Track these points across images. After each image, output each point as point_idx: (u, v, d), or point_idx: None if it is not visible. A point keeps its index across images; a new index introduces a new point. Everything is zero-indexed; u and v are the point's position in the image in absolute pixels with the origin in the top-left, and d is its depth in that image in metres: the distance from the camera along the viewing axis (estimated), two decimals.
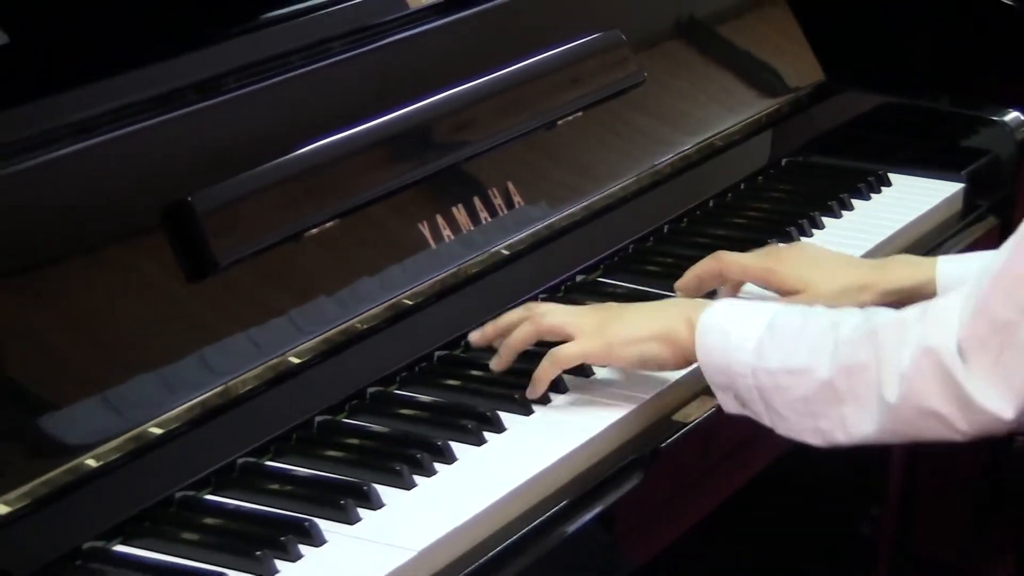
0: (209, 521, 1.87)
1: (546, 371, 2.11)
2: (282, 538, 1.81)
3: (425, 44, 2.39)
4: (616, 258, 2.51)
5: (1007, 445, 3.42)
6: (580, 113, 2.54)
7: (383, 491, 1.91)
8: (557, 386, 2.15)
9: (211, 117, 2.12)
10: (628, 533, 2.09)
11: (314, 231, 2.14)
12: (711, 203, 2.70)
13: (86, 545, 1.79)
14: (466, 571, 1.84)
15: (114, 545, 1.81)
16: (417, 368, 2.19)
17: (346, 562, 1.80)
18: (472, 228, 2.32)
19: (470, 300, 2.29)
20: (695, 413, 2.16)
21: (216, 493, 1.92)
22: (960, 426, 1.88)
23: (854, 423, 1.94)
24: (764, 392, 2.00)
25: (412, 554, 1.81)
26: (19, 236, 1.90)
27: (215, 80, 2.14)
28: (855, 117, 2.96)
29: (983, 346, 1.84)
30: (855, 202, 2.74)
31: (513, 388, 2.13)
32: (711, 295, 2.31)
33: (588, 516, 1.98)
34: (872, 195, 2.78)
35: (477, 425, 2.05)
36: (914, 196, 2.78)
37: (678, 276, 2.41)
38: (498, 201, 2.37)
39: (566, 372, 2.16)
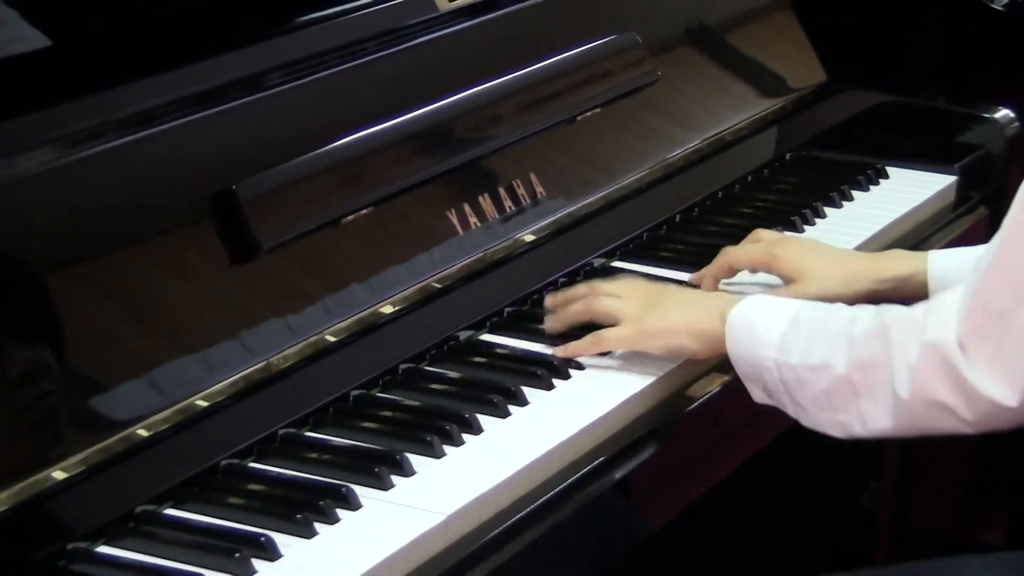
0: (252, 487, 1.87)
1: (586, 347, 2.14)
2: (321, 503, 1.81)
3: (453, 44, 2.40)
4: (631, 245, 2.50)
5: None
6: (598, 109, 2.54)
7: (415, 460, 1.92)
8: (577, 363, 2.15)
9: (254, 112, 2.12)
10: (643, 500, 2.10)
11: (350, 218, 2.14)
12: (720, 194, 2.70)
13: (139, 508, 1.80)
14: (492, 534, 1.85)
15: (165, 509, 1.82)
16: (446, 346, 2.18)
17: (380, 525, 1.81)
18: (497, 216, 2.32)
19: (495, 284, 2.29)
20: (706, 388, 2.16)
21: (259, 461, 1.92)
22: (968, 417, 1.86)
23: (871, 417, 1.93)
24: (788, 386, 1.99)
25: (442, 518, 1.82)
26: (79, 225, 1.91)
27: (258, 77, 2.14)
28: (855, 114, 2.96)
29: (982, 337, 1.83)
30: (855, 193, 2.74)
31: (536, 365, 2.13)
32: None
33: (606, 484, 1.99)
34: (871, 187, 2.77)
35: (502, 399, 2.05)
36: (910, 188, 2.77)
37: (689, 261, 2.43)
38: (521, 191, 2.37)
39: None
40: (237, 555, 1.72)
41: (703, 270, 2.37)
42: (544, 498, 1.92)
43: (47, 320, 1.83)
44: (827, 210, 2.67)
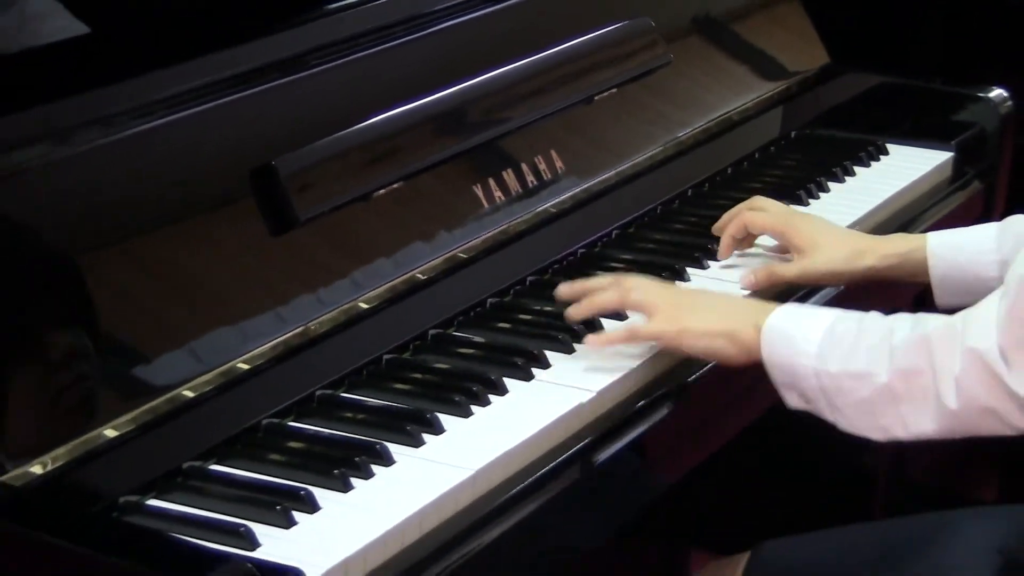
0: (292, 444, 1.88)
1: (620, 337, 2.10)
2: (357, 459, 1.82)
3: (478, 28, 2.39)
4: (646, 218, 2.50)
5: None
6: (615, 90, 2.53)
7: (444, 419, 1.93)
8: (595, 327, 2.15)
9: (290, 92, 2.12)
10: (660, 456, 2.09)
11: (381, 192, 2.14)
12: (729, 170, 2.70)
13: (186, 464, 1.81)
14: (517, 488, 1.85)
15: (210, 464, 1.83)
16: (472, 313, 2.19)
17: (413, 480, 1.82)
18: (519, 191, 2.32)
19: (518, 254, 2.29)
20: None
21: (298, 420, 1.93)
22: (1016, 421, 1.85)
23: (913, 422, 1.91)
24: (827, 393, 1.96)
25: (470, 473, 1.83)
26: (134, 202, 1.92)
27: (294, 60, 2.14)
28: (856, 95, 2.95)
29: (1020, 347, 1.81)
30: (857, 169, 2.74)
31: (558, 330, 2.13)
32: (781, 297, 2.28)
33: (625, 441, 1.99)
34: (872, 163, 2.77)
35: (526, 362, 2.05)
36: (909, 164, 2.77)
37: (700, 233, 2.43)
38: (543, 167, 2.36)
39: (604, 316, 2.16)
40: (278, 507, 1.73)
41: (723, 230, 2.38)
42: (565, 455, 1.93)
43: (99, 293, 1.83)
44: (831, 184, 2.67)
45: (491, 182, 2.29)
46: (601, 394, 2.03)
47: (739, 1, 2.91)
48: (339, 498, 1.78)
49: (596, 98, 2.51)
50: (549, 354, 2.09)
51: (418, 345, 2.11)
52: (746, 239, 2.39)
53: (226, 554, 1.62)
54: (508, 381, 2.02)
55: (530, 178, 2.34)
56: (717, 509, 2.99)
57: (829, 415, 1.98)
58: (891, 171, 2.75)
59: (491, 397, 1.99)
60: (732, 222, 2.38)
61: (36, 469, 1.70)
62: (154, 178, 1.95)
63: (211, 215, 1.99)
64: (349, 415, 1.94)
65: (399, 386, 2.01)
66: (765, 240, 2.40)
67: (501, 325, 2.17)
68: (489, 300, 2.22)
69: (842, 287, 2.34)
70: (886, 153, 2.81)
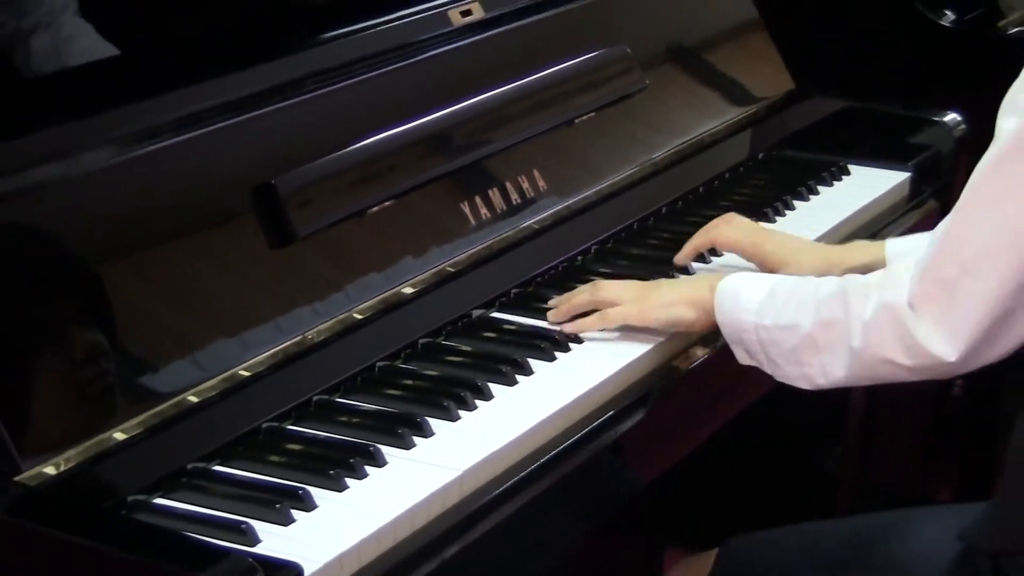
0: (291, 446, 1.88)
1: (593, 323, 2.15)
2: (351, 460, 1.83)
3: (465, 55, 2.40)
4: (623, 234, 2.51)
5: (947, 392, 3.43)
6: (593, 114, 2.54)
7: (433, 423, 1.93)
8: (575, 336, 2.16)
9: (290, 115, 2.12)
10: (634, 458, 2.10)
11: (374, 209, 2.14)
12: (701, 189, 2.70)
13: (190, 465, 1.81)
14: (502, 488, 1.86)
15: (213, 465, 1.83)
16: (459, 323, 2.19)
17: (403, 480, 1.82)
18: (504, 208, 2.32)
19: (502, 268, 2.29)
20: (689, 361, 2.17)
21: (296, 424, 1.93)
22: (910, 366, 1.90)
23: (831, 369, 1.97)
24: (764, 345, 2.03)
25: (457, 473, 1.83)
26: (146, 218, 1.93)
27: (294, 84, 2.14)
28: (820, 118, 2.95)
29: (930, 300, 1.86)
30: (821, 188, 2.74)
31: (540, 339, 2.13)
32: None
33: (602, 443, 2.00)
34: (835, 182, 2.78)
35: (510, 369, 2.06)
36: (869, 183, 2.78)
37: (673, 248, 2.43)
38: (526, 186, 2.37)
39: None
40: (278, 506, 1.74)
41: (687, 242, 2.40)
42: (547, 456, 1.93)
43: (109, 304, 1.84)
44: (796, 203, 2.67)
45: (477, 200, 2.29)
46: (582, 398, 2.03)
47: (710, 30, 2.91)
48: (335, 497, 1.78)
49: (576, 121, 2.51)
50: (532, 362, 2.09)
51: (409, 353, 2.11)
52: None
53: (228, 549, 1.63)
54: (493, 387, 2.02)
55: (514, 196, 2.34)
56: (689, 508, 2.99)
57: (767, 367, 2.05)
58: (853, 190, 2.75)
59: (477, 402, 1.99)
60: (700, 233, 2.39)
61: (50, 469, 1.71)
62: (163, 195, 1.96)
63: (215, 230, 1.99)
64: (344, 419, 1.95)
65: (391, 392, 2.02)
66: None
67: (487, 334, 2.17)
68: (476, 311, 2.22)
69: None
70: (848, 173, 2.82)
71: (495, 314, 2.24)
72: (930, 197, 2.80)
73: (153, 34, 2.08)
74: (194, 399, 1.86)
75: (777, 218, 2.62)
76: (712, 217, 2.51)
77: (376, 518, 1.74)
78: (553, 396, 2.02)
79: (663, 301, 2.14)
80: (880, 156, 2.85)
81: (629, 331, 2.18)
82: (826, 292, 1.98)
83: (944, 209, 2.80)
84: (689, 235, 2.44)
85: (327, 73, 2.20)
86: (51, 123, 1.85)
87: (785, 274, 2.28)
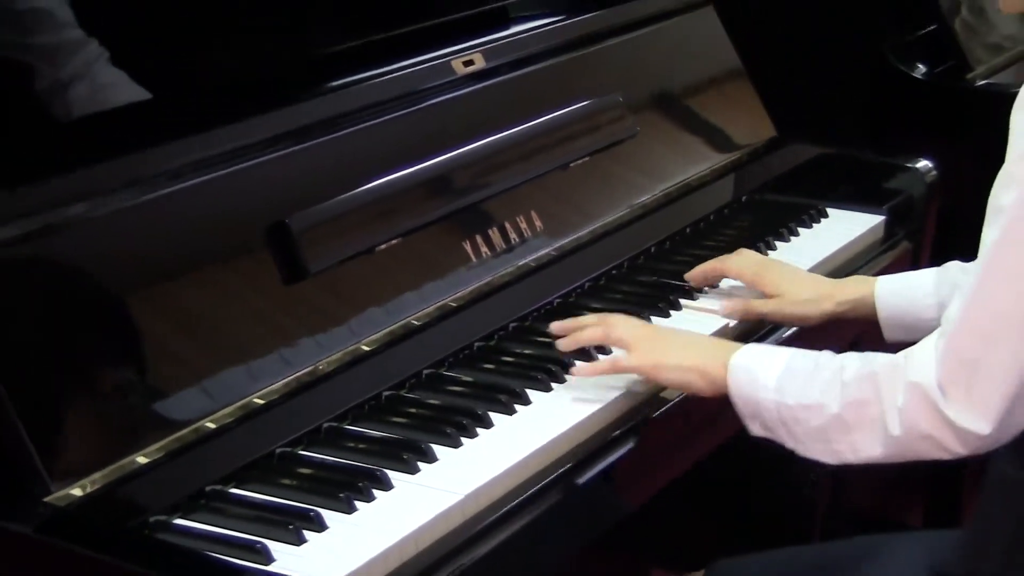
0: (303, 471, 1.89)
1: (604, 368, 2.13)
2: (360, 484, 1.84)
3: (468, 102, 2.41)
4: (614, 271, 2.51)
5: None
6: (587, 158, 2.55)
7: (437, 449, 1.94)
8: (570, 369, 2.16)
9: (302, 158, 2.13)
10: (624, 484, 2.10)
11: (382, 247, 2.15)
12: (688, 230, 2.70)
13: (208, 487, 1.82)
14: (502, 511, 1.86)
15: (229, 488, 1.84)
16: (461, 355, 2.19)
17: (409, 503, 1.83)
18: (503, 247, 2.33)
19: (502, 303, 2.30)
20: (678, 392, 2.15)
21: (307, 449, 1.94)
22: (952, 446, 1.85)
23: (862, 448, 1.92)
24: (786, 423, 1.98)
25: (460, 497, 1.84)
26: (165, 254, 1.94)
27: (306, 129, 2.15)
28: (800, 164, 2.95)
29: (956, 381, 1.82)
30: (800, 230, 2.75)
31: (537, 371, 2.14)
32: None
33: (595, 469, 2.00)
34: (813, 224, 2.78)
35: (509, 399, 2.06)
36: (846, 225, 2.78)
37: (663, 285, 2.45)
38: (524, 226, 2.37)
39: (576, 357, 2.17)
40: (291, 527, 1.74)
41: (698, 267, 2.44)
42: (544, 482, 1.93)
43: (133, 336, 1.86)
44: (778, 243, 2.68)
45: (478, 239, 2.30)
46: (576, 427, 2.03)
47: (697, 80, 2.92)
48: (344, 518, 1.79)
49: (571, 165, 2.52)
50: (529, 392, 2.09)
51: (414, 383, 2.11)
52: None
53: (244, 568, 1.64)
54: (493, 415, 2.03)
55: (512, 236, 2.35)
56: (674, 531, 3.00)
57: (789, 442, 2.00)
58: (831, 232, 2.76)
59: (478, 430, 2.00)
60: (713, 261, 2.44)
61: (77, 491, 1.72)
62: (184, 235, 1.97)
63: (231, 267, 2.00)
64: (352, 445, 1.95)
65: (397, 419, 2.02)
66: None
67: (487, 366, 2.18)
68: (476, 344, 2.22)
69: (796, 328, 2.37)
70: (826, 216, 2.82)
71: (494, 346, 2.24)
72: (903, 239, 2.80)
73: (174, 83, 2.08)
74: (212, 425, 1.87)
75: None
76: (698, 256, 2.54)
77: (384, 538, 1.75)
78: (549, 425, 2.02)
79: (674, 364, 2.09)
80: (856, 200, 2.85)
81: None
82: (851, 372, 1.93)
83: (916, 250, 2.82)
84: (676, 273, 2.47)
85: (339, 118, 2.21)
86: (82, 165, 1.87)
87: (781, 303, 2.34)
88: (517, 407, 2.07)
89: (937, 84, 3.30)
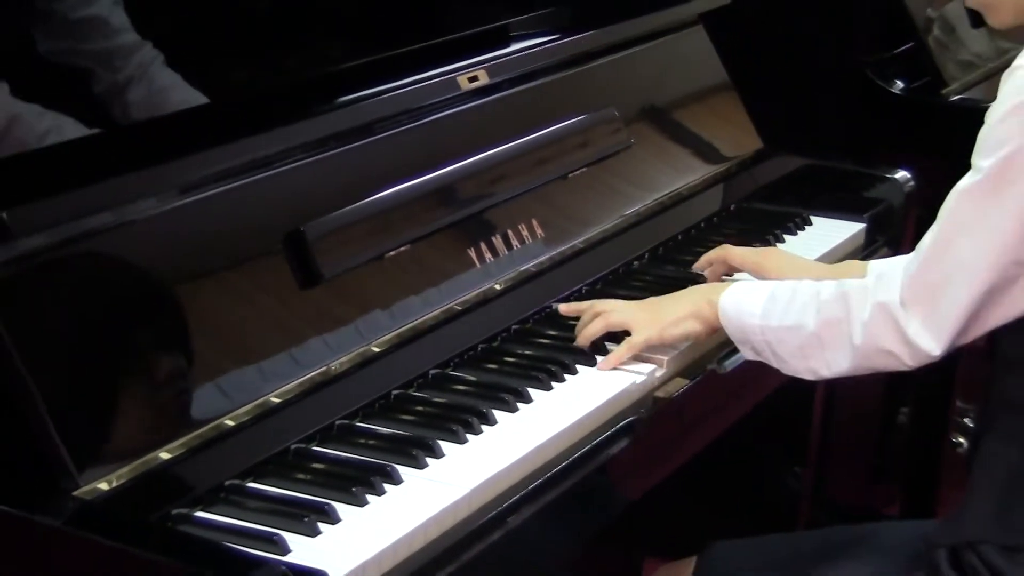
0: (316, 466, 1.88)
1: (622, 354, 2.17)
2: (371, 478, 1.83)
3: (473, 116, 2.40)
4: (610, 276, 2.51)
5: (892, 419, 3.44)
6: (585, 169, 2.54)
7: (444, 445, 1.93)
8: (569, 369, 2.16)
9: (318, 168, 2.13)
10: (620, 479, 2.10)
11: (391, 254, 2.15)
12: (679, 236, 2.70)
13: (227, 481, 1.81)
14: (505, 504, 1.86)
15: (247, 482, 1.83)
16: (466, 355, 2.18)
17: (418, 496, 1.83)
18: (505, 253, 2.32)
19: (504, 306, 2.29)
20: (671, 391, 2.17)
21: (321, 445, 1.93)
22: (905, 359, 1.94)
23: (834, 362, 2.00)
24: (770, 344, 2.06)
25: (466, 491, 1.84)
26: (188, 261, 1.93)
27: (320, 142, 2.14)
28: (785, 174, 2.96)
29: (918, 301, 1.91)
30: (786, 236, 2.75)
31: (537, 371, 2.13)
32: None
33: (595, 464, 2.00)
34: (798, 231, 2.78)
35: (511, 397, 2.06)
36: (830, 233, 2.78)
37: (656, 290, 2.42)
38: (525, 233, 2.37)
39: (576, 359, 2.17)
40: (306, 519, 1.74)
41: (703, 256, 2.49)
42: (545, 476, 1.93)
43: (157, 338, 1.85)
44: None
45: (482, 246, 2.29)
46: (575, 424, 2.03)
47: (688, 95, 2.92)
48: (356, 511, 1.78)
49: (570, 176, 2.51)
50: (531, 391, 2.09)
51: (421, 383, 2.11)
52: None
53: (262, 558, 1.63)
54: (497, 413, 2.02)
55: (514, 243, 2.35)
56: (668, 521, 2.99)
57: (774, 362, 2.08)
58: (815, 238, 2.76)
59: (483, 427, 1.99)
60: (716, 249, 2.48)
61: (103, 485, 1.71)
62: (204, 242, 1.96)
63: (249, 273, 1.99)
64: (363, 441, 1.95)
65: (405, 417, 2.02)
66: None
67: (490, 366, 2.17)
68: (480, 345, 2.22)
69: None
70: (810, 223, 2.82)
71: (498, 347, 2.24)
72: (883, 246, 2.80)
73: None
74: (231, 423, 1.87)
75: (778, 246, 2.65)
76: (689, 261, 2.54)
77: (394, 530, 1.74)
78: (550, 422, 2.02)
79: (673, 319, 2.18)
80: (838, 208, 2.85)
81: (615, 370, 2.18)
82: (827, 295, 2.00)
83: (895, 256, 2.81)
84: (669, 277, 2.47)
85: (352, 131, 2.20)
86: (108, 176, 1.85)
87: None
88: (519, 405, 2.06)
89: (914, 99, 3.30)
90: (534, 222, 2.40)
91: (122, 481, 1.73)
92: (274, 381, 1.94)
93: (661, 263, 2.60)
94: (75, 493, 1.68)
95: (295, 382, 1.96)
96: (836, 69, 3.28)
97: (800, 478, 3.14)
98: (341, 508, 1.77)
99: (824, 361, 2.01)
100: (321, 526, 1.74)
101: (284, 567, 1.59)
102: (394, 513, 1.79)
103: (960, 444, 3.19)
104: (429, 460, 1.90)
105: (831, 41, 3.28)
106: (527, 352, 2.22)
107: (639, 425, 2.08)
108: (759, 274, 2.40)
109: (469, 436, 1.97)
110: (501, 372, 2.16)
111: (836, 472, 3.30)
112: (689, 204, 2.77)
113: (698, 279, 2.47)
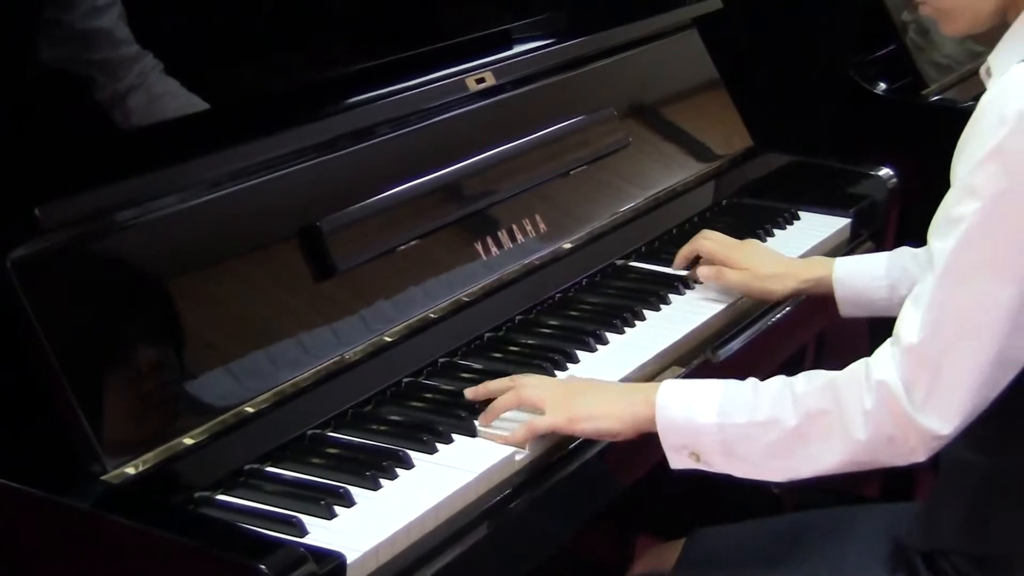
0: (331, 451, 1.88)
1: (521, 435, 1.90)
2: (384, 463, 1.82)
3: (479, 116, 2.39)
4: (609, 269, 2.50)
5: None
6: (585, 166, 2.53)
7: (453, 433, 1.92)
8: (571, 358, 2.14)
9: (333, 167, 2.11)
10: (621, 462, 2.08)
11: (402, 247, 2.14)
12: (674, 230, 2.69)
13: (247, 466, 1.81)
14: (514, 486, 1.86)
15: (266, 466, 1.83)
16: (473, 344, 2.18)
17: (429, 480, 1.82)
18: (511, 247, 2.31)
19: (510, 298, 2.28)
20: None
21: (336, 431, 1.92)
22: (914, 446, 1.76)
23: (820, 458, 1.80)
24: (728, 444, 1.83)
25: (474, 475, 1.83)
26: (208, 256, 1.91)
27: (334, 141, 2.13)
28: (774, 170, 2.95)
29: (918, 384, 1.73)
30: (776, 231, 2.74)
31: (541, 359, 2.12)
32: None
33: (594, 450, 1.98)
34: (787, 226, 2.78)
35: None
36: (816, 227, 2.78)
37: (653, 280, 2.44)
38: (529, 228, 2.36)
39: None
40: (322, 502, 1.73)
41: (679, 251, 2.45)
42: (548, 462, 1.93)
43: (180, 331, 1.84)
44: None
45: (488, 240, 2.28)
46: None
47: (682, 96, 2.91)
48: (370, 495, 1.78)
49: (571, 173, 2.50)
50: None
51: (430, 371, 2.10)
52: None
53: (281, 539, 1.62)
54: None
55: (519, 237, 2.33)
56: (657, 502, 2.98)
57: (724, 466, 1.86)
58: (803, 232, 2.75)
59: None
60: (687, 244, 2.44)
61: (130, 470, 1.71)
62: (224, 238, 1.95)
63: (267, 266, 1.98)
64: (376, 427, 1.94)
65: (416, 404, 2.00)
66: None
67: (496, 355, 2.16)
68: (486, 334, 2.21)
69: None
70: (798, 218, 2.82)
71: (502, 336, 2.23)
72: (867, 239, 2.79)
73: (220, 101, 2.06)
74: (250, 410, 1.86)
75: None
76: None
77: (407, 513, 1.74)
78: None
79: (586, 413, 1.90)
80: (825, 204, 2.85)
81: (615, 358, 2.17)
82: (802, 385, 1.82)
83: (878, 249, 2.81)
84: (661, 273, 2.47)
85: (365, 131, 2.19)
86: (135, 173, 1.84)
87: (748, 280, 2.34)
88: None
89: (895, 100, 3.30)
90: (537, 217, 2.39)
91: (148, 466, 1.72)
92: (291, 370, 1.92)
93: (657, 256, 2.57)
94: (103, 477, 1.68)
95: (311, 371, 1.95)
96: (822, 71, 3.28)
97: None
98: (356, 491, 1.77)
99: (806, 458, 1.79)
100: (337, 509, 1.73)
101: (303, 549, 1.57)
102: (406, 497, 1.78)
103: None
104: (439, 445, 1.89)
105: (818, 44, 3.28)
106: (530, 342, 2.21)
107: None
108: (726, 263, 2.37)
109: (476, 423, 1.95)
110: (506, 360, 2.15)
111: None
112: (683, 200, 2.76)
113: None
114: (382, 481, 1.80)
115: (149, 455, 1.73)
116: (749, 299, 2.40)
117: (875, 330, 2.13)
